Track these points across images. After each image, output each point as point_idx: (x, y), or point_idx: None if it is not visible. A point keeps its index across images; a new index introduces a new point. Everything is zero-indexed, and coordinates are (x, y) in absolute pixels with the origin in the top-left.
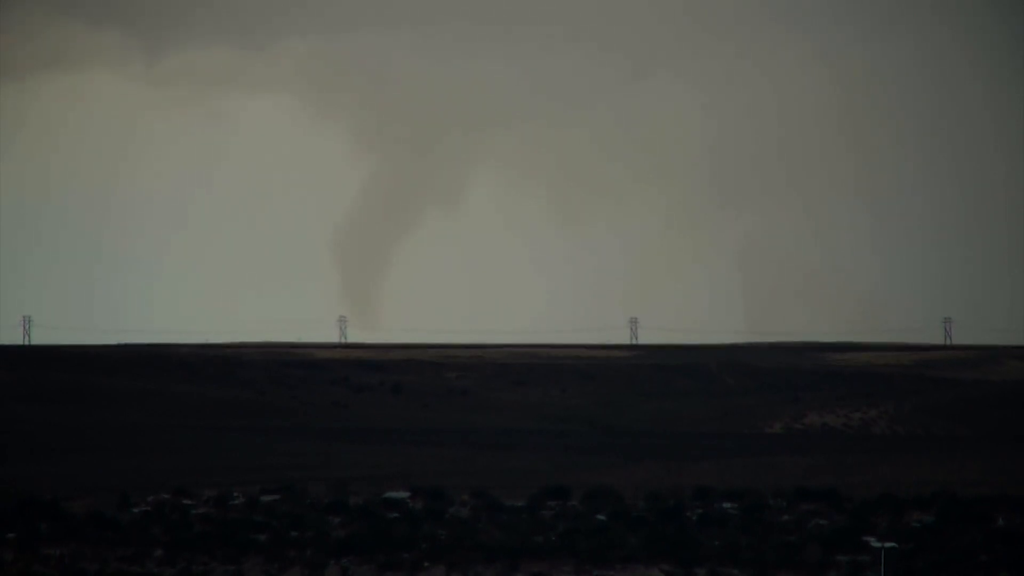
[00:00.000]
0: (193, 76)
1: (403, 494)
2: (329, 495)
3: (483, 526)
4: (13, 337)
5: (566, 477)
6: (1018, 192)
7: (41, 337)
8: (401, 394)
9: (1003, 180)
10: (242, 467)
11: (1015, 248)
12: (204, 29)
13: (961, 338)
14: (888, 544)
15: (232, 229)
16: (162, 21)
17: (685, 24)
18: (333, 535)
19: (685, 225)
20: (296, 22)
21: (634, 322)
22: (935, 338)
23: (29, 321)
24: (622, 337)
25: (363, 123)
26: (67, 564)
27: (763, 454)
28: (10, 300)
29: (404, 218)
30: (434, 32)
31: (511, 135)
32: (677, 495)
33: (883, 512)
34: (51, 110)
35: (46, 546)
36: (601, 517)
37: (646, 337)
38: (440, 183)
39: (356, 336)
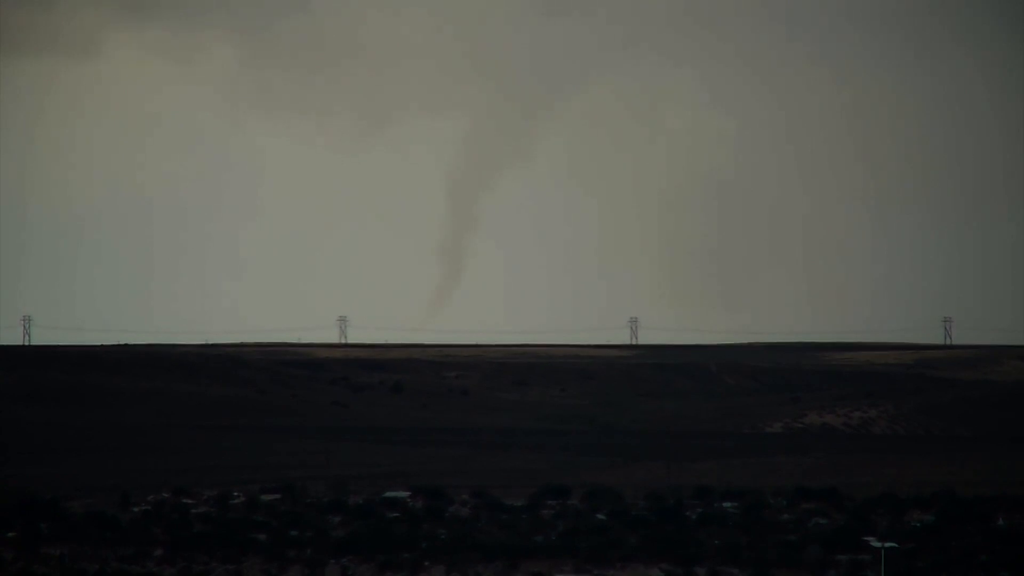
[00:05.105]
0: (197, 77)
1: (403, 493)
2: (329, 494)
3: (483, 525)
4: (13, 337)
5: (566, 476)
6: (1018, 192)
7: (41, 337)
8: (401, 393)
9: (1003, 181)
10: (242, 467)
11: (1015, 248)
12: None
13: (961, 338)
14: (888, 544)
15: (232, 229)
16: (179, 14)
17: (690, 26)
18: (333, 534)
19: (685, 225)
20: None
21: (634, 322)
22: (935, 338)
23: (29, 321)
24: (622, 337)
25: (361, 121)
26: (67, 563)
27: (763, 454)
28: (10, 300)
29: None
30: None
31: (509, 135)
32: (677, 495)
33: (883, 512)
34: (52, 108)
35: (46, 545)
36: (601, 516)
37: (646, 337)
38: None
39: (357, 336)
